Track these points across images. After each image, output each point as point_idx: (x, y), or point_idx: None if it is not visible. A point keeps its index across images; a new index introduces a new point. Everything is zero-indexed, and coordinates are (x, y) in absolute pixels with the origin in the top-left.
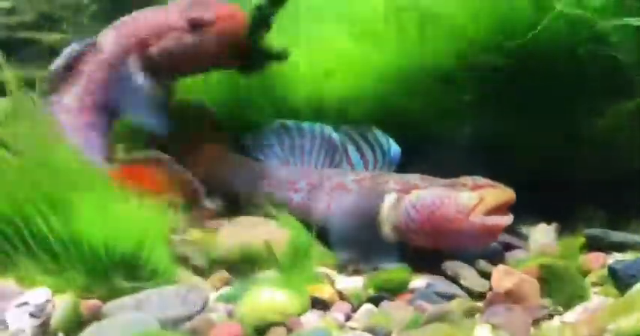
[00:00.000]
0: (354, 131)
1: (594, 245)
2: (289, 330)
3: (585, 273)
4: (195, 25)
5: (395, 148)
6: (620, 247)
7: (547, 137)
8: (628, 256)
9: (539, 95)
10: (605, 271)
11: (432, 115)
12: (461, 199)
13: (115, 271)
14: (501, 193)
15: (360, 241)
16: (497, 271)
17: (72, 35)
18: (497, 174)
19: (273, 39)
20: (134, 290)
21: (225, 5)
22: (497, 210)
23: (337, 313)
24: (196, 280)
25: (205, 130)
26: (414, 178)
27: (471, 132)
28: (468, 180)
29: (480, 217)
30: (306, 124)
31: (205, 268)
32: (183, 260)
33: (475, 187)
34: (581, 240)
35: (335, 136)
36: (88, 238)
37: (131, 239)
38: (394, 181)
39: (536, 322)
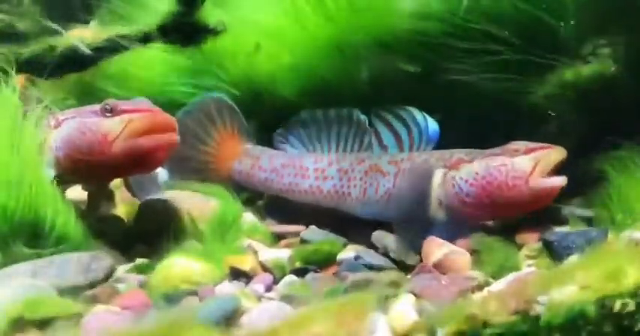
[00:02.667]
0: (386, 112)
1: (532, 219)
2: (202, 299)
3: (521, 246)
4: None
5: (433, 126)
6: (561, 221)
7: (486, 106)
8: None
9: (474, 66)
10: (540, 245)
11: (366, 86)
12: (518, 165)
13: (15, 238)
14: (555, 153)
15: (414, 224)
16: (428, 243)
17: (13, 16)
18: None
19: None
20: (34, 257)
21: None
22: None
23: (258, 284)
24: (109, 251)
25: (228, 125)
26: (457, 152)
27: (407, 103)
28: (518, 145)
29: (539, 181)
30: (332, 110)
31: (123, 241)
32: (101, 234)
33: (528, 151)
34: None
35: (363, 118)
36: None
37: (31, 206)
38: (435, 158)
39: (465, 294)
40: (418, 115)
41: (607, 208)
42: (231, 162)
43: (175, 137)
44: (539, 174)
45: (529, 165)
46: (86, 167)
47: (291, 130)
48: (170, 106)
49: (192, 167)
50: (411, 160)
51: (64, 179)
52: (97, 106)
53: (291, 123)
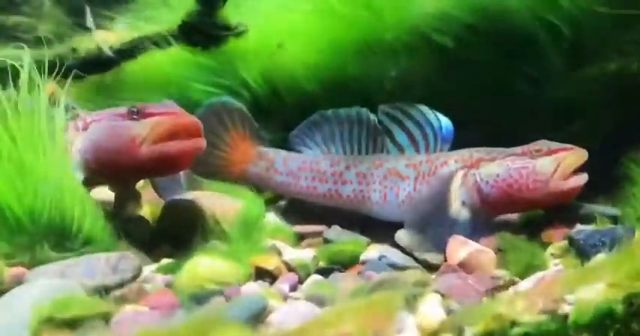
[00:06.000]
0: (396, 111)
1: (558, 217)
2: (228, 299)
3: (546, 245)
4: None
5: (446, 124)
6: (587, 219)
7: (510, 105)
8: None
9: (499, 64)
10: (566, 243)
11: (387, 86)
12: (540, 168)
13: (42, 240)
14: (576, 155)
15: (436, 230)
16: (453, 242)
17: (34, 19)
18: (459, 143)
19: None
20: (63, 258)
21: None
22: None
23: (283, 284)
24: (135, 251)
25: (240, 128)
26: (476, 151)
27: (430, 103)
28: (539, 145)
29: (561, 183)
30: (342, 110)
31: (148, 242)
32: (127, 234)
33: (550, 152)
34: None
35: (373, 118)
36: (11, 206)
37: (58, 207)
38: (455, 159)
39: (491, 293)
40: (430, 114)
41: (633, 206)
42: (246, 165)
43: (201, 141)
44: (560, 176)
45: (551, 167)
46: (113, 169)
47: (305, 131)
48: (191, 106)
49: (207, 171)
50: (429, 162)
51: (90, 181)
52: (123, 109)
53: (304, 124)
